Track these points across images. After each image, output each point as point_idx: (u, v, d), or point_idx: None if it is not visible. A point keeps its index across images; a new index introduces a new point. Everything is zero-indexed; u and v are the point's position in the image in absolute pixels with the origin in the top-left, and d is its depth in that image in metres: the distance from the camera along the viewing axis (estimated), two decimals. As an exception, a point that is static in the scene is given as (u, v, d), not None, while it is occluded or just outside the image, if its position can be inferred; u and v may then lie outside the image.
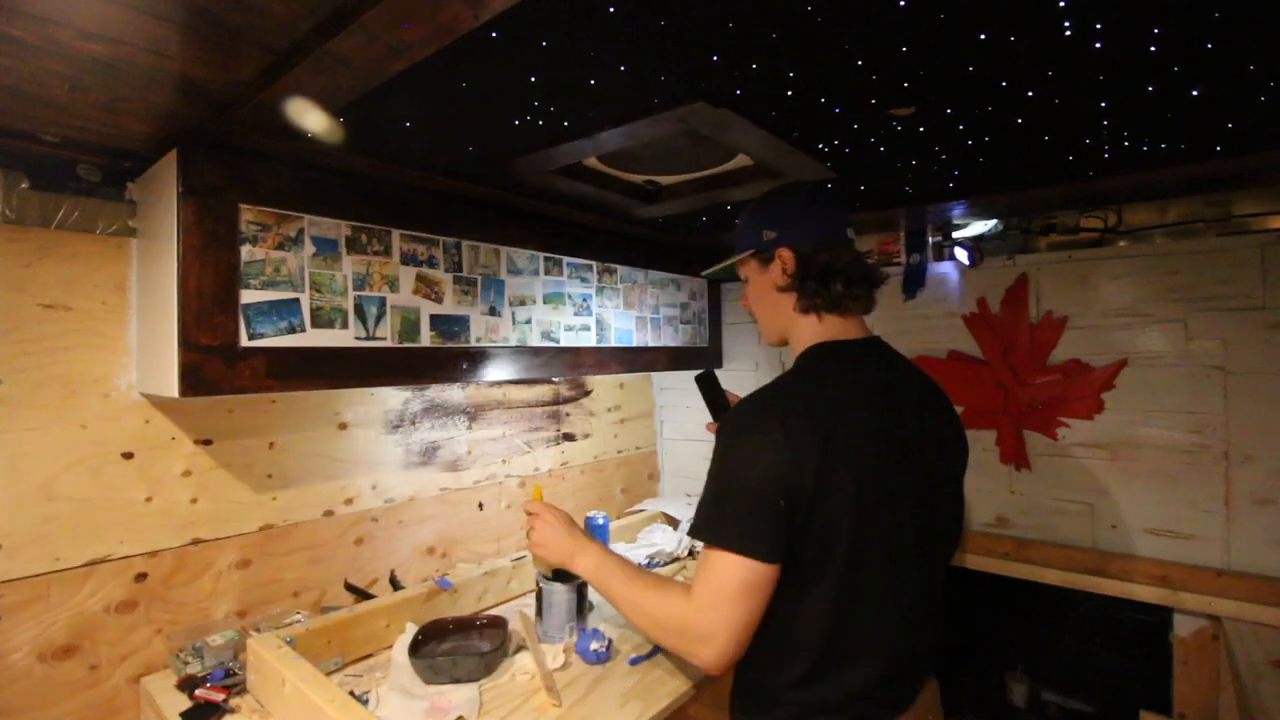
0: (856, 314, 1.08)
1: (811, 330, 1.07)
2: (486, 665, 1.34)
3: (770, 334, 1.15)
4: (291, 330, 1.26)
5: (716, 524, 0.94)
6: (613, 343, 2.02)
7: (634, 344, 2.09)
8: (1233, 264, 1.54)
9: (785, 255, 1.06)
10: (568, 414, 2.25)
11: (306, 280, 1.29)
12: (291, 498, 1.53)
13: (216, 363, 1.16)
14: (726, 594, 0.91)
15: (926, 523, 1.00)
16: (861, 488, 0.91)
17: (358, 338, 1.37)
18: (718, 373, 1.40)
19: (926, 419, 1.04)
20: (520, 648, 1.44)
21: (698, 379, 1.39)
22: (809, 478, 0.89)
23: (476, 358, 1.60)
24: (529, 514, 1.28)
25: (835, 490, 0.90)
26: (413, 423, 1.78)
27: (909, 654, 1.00)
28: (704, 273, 1.35)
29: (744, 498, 0.91)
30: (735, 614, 0.91)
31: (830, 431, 0.91)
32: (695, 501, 2.35)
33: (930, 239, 1.98)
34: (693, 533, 0.98)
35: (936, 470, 1.04)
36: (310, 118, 1.05)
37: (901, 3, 0.76)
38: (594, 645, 1.39)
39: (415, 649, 1.34)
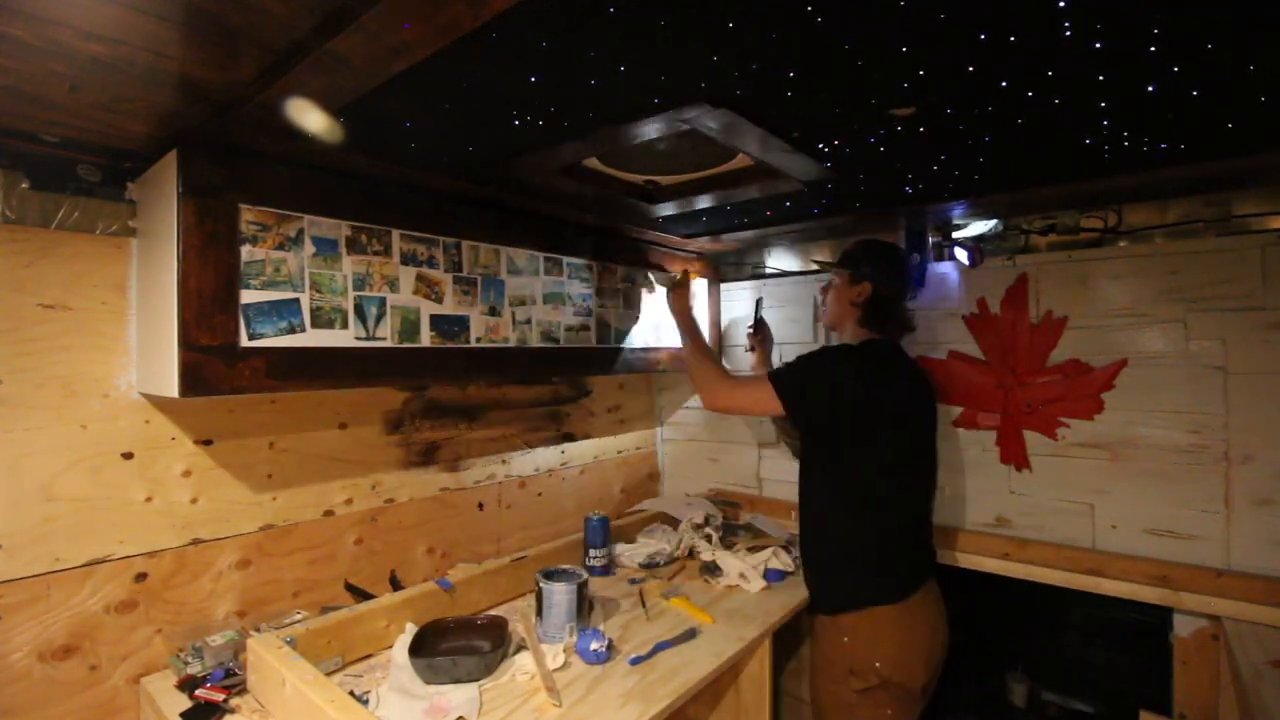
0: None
1: (859, 334, 1.64)
2: (486, 665, 1.34)
3: (831, 320, 1.73)
4: (291, 330, 1.26)
5: (784, 377, 1.56)
6: (613, 343, 2.02)
7: (634, 344, 2.09)
8: (1233, 264, 1.54)
9: (866, 289, 1.61)
10: (568, 414, 2.25)
11: (306, 280, 1.29)
12: (291, 498, 1.53)
13: (216, 363, 1.16)
14: (748, 399, 1.64)
15: (923, 456, 1.65)
16: (894, 416, 1.53)
17: (358, 338, 1.37)
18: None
19: (925, 392, 1.67)
20: (520, 648, 1.44)
21: (757, 301, 2.18)
22: (860, 393, 1.49)
23: (476, 358, 1.60)
24: (680, 287, 1.96)
25: (877, 411, 1.50)
26: (413, 423, 1.78)
27: (919, 539, 1.63)
28: (814, 264, 2.15)
29: (808, 378, 1.54)
30: (739, 406, 1.69)
31: (875, 376, 1.52)
32: (695, 501, 2.36)
33: (930, 239, 1.98)
34: (770, 375, 1.56)
35: (928, 426, 1.67)
36: (310, 118, 1.05)
37: (901, 3, 0.76)
38: (594, 645, 1.39)
39: (415, 649, 1.34)
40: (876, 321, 1.60)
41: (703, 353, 1.82)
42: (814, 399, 1.52)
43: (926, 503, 1.67)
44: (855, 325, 1.62)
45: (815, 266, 2.20)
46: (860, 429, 1.50)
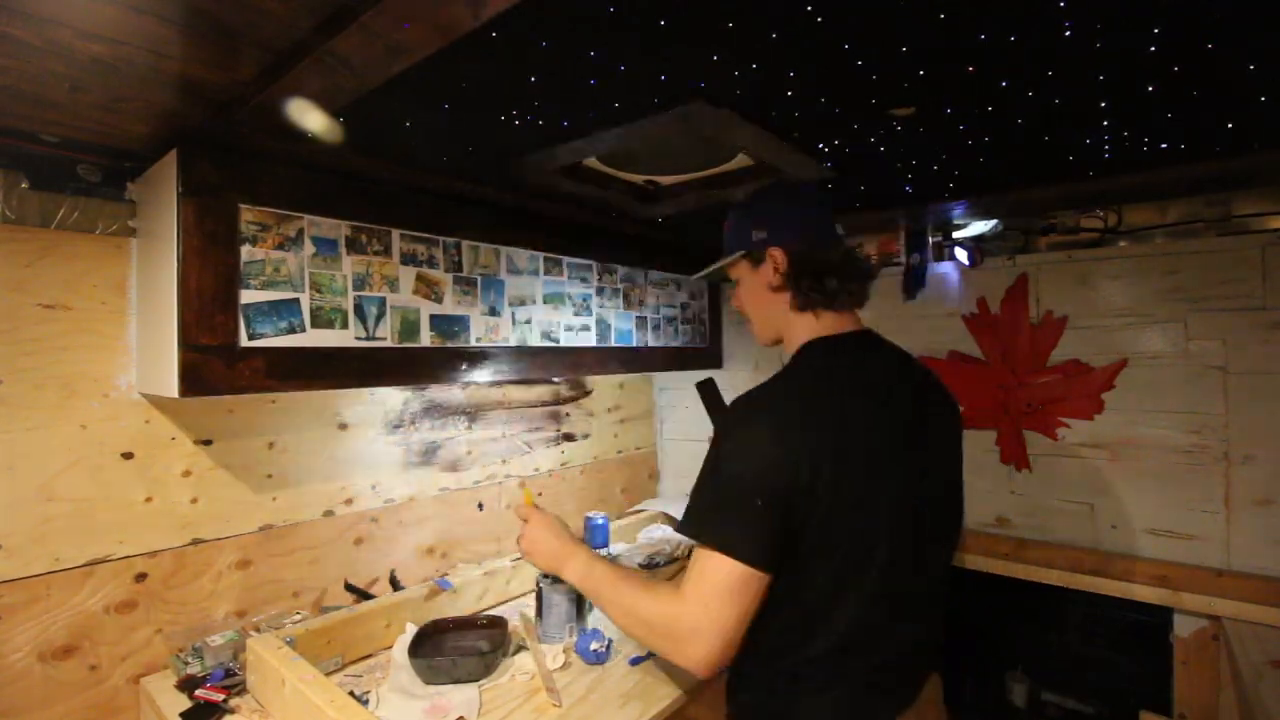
0: (851, 309, 1.10)
1: (808, 327, 1.07)
2: (486, 665, 1.34)
3: (765, 334, 1.16)
4: (291, 330, 1.26)
5: (704, 522, 0.95)
6: (613, 343, 2.01)
7: (634, 344, 2.09)
8: (1233, 264, 1.54)
9: (777, 255, 1.08)
10: (568, 414, 2.25)
11: (306, 280, 1.29)
12: (291, 498, 1.53)
13: (216, 363, 1.16)
14: (716, 591, 0.91)
15: (926, 516, 1.00)
16: (863, 482, 0.93)
17: (358, 338, 1.37)
18: (717, 375, 1.42)
19: (928, 409, 1.07)
20: (520, 648, 1.44)
21: (698, 386, 1.40)
22: (804, 473, 0.89)
23: (476, 358, 1.60)
24: (520, 519, 1.28)
25: (835, 485, 0.90)
26: (413, 423, 1.78)
27: (906, 645, 1.01)
28: (695, 275, 1.34)
29: (732, 496, 0.92)
30: (724, 613, 0.91)
31: (830, 427, 0.92)
32: (695, 502, 2.34)
33: (930, 239, 1.98)
34: (680, 528, 0.99)
35: (937, 460, 1.06)
36: (310, 118, 1.05)
37: (901, 2, 0.76)
38: (594, 645, 1.39)
39: (415, 649, 1.34)
40: (819, 293, 1.05)
41: (615, 582, 1.10)
42: (757, 525, 0.90)
43: (942, 569, 1.08)
44: (795, 313, 1.08)
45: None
46: (817, 531, 0.91)
